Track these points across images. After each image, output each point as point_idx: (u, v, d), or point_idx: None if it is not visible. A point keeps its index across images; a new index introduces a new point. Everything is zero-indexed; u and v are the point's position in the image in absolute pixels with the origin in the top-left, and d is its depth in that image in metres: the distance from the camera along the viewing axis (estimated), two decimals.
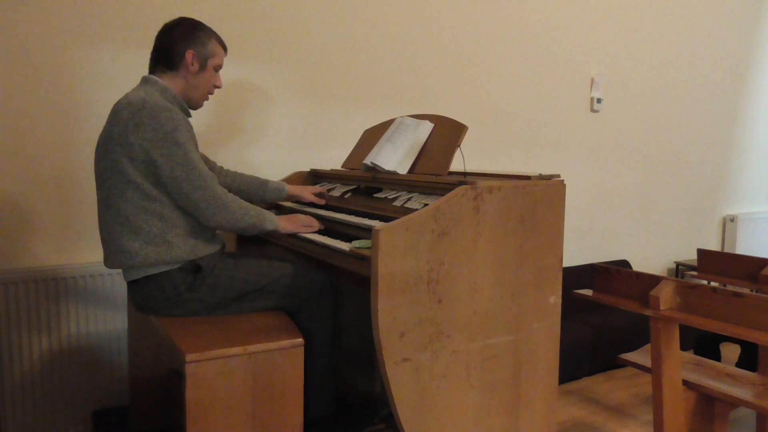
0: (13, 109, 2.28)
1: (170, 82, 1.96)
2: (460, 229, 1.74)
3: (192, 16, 2.55)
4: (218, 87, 2.07)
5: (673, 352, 2.08)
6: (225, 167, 2.39)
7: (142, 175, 1.81)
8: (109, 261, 1.90)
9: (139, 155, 1.79)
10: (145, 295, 1.89)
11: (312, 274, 2.03)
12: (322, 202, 2.41)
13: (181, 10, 2.54)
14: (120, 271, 2.17)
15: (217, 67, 2.04)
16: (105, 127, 1.88)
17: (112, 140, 1.82)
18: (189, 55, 1.95)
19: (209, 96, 2.08)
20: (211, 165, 2.27)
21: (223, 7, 2.64)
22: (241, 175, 2.36)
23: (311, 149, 2.94)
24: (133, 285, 1.91)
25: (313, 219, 2.14)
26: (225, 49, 2.07)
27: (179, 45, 1.94)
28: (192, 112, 2.04)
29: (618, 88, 4.01)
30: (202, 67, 1.98)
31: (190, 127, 1.89)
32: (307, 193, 2.41)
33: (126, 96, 1.87)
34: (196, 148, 1.92)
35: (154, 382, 2.28)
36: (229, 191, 2.26)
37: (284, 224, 2.06)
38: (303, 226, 2.09)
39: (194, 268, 1.89)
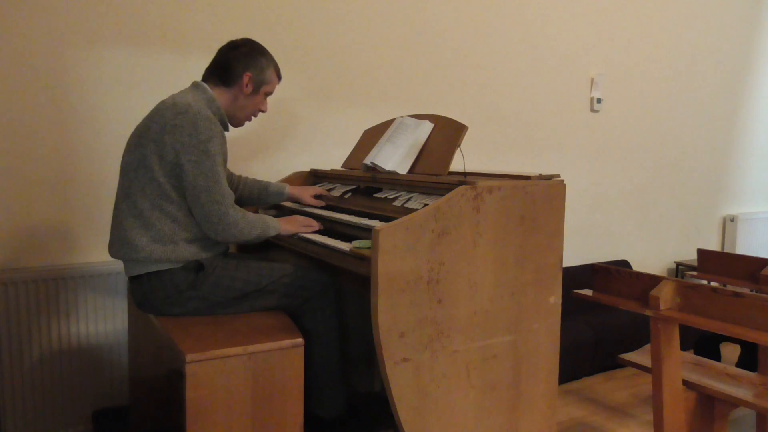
0: (13, 110, 2.28)
1: (219, 96, 2.01)
2: (460, 229, 1.74)
3: (192, 17, 2.56)
4: (263, 111, 2.13)
5: (673, 352, 2.08)
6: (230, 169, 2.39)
7: (166, 175, 1.83)
8: (114, 249, 1.93)
9: (168, 156, 1.82)
10: (147, 292, 1.90)
11: (313, 274, 2.03)
12: (322, 204, 2.42)
13: (182, 10, 2.54)
14: (121, 270, 2.17)
15: (268, 94, 2.10)
16: (144, 121, 1.92)
17: (148, 135, 1.85)
18: (246, 77, 2.01)
19: (252, 118, 2.13)
20: (229, 174, 2.29)
21: (223, 9, 2.64)
22: (246, 179, 2.39)
23: (311, 149, 2.94)
24: (134, 281, 1.93)
25: (312, 219, 2.16)
26: (280, 78, 2.12)
27: (240, 65, 2.00)
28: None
29: (618, 88, 4.01)
30: (255, 90, 2.04)
31: (224, 142, 1.93)
32: (307, 196, 2.42)
33: (172, 97, 1.92)
34: (225, 162, 1.96)
35: (154, 382, 2.29)
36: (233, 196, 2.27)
37: (285, 226, 2.08)
38: (303, 226, 2.11)
39: (196, 266, 1.90)
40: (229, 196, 1.89)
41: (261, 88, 2.06)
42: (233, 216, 1.88)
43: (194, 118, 1.82)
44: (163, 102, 1.91)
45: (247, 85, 2.01)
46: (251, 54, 2.02)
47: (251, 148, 2.78)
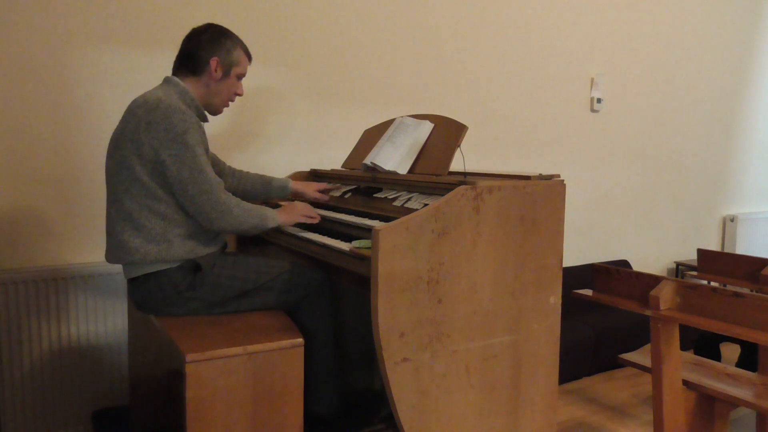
0: (13, 109, 2.29)
1: (192, 87, 1.97)
2: (460, 229, 1.74)
3: (191, 17, 2.56)
4: (239, 95, 2.09)
5: (673, 352, 2.08)
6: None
7: (148, 174, 1.82)
8: (110, 255, 1.92)
9: (147, 154, 1.80)
10: (145, 293, 1.89)
11: (309, 271, 2.04)
12: (326, 198, 2.41)
13: (181, 10, 2.54)
14: (120, 271, 2.17)
15: (240, 76, 2.06)
16: (119, 123, 1.89)
17: (124, 137, 1.83)
18: (213, 62, 1.96)
19: (230, 103, 2.10)
20: (221, 165, 2.28)
21: (223, 8, 2.64)
22: (247, 174, 2.37)
23: (311, 149, 2.94)
24: (133, 283, 1.92)
25: (310, 207, 2.14)
26: (249, 58, 2.08)
27: (205, 51, 1.96)
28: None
29: (618, 88, 4.01)
30: (226, 74, 2.00)
31: (202, 131, 1.90)
32: (311, 190, 2.41)
33: (143, 95, 1.89)
34: (206, 151, 1.93)
35: (154, 382, 2.28)
36: (236, 191, 2.27)
37: (284, 218, 2.07)
38: (302, 216, 2.10)
39: (194, 266, 1.89)
40: (217, 183, 1.87)
41: (231, 71, 2.01)
42: (226, 202, 1.87)
43: (167, 112, 1.79)
44: (134, 101, 1.88)
45: (216, 70, 1.97)
46: (215, 38, 1.98)
47: (251, 147, 2.78)
